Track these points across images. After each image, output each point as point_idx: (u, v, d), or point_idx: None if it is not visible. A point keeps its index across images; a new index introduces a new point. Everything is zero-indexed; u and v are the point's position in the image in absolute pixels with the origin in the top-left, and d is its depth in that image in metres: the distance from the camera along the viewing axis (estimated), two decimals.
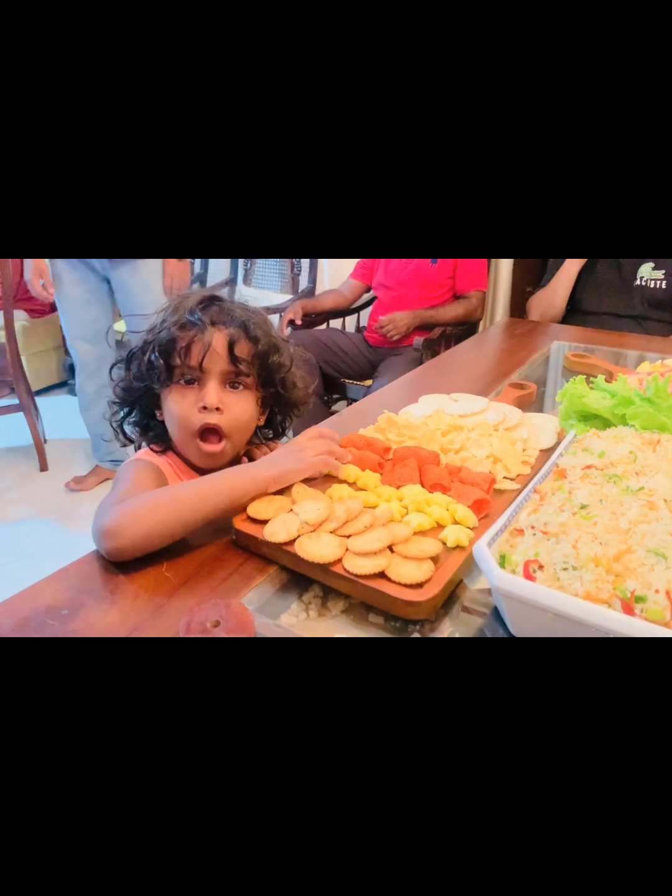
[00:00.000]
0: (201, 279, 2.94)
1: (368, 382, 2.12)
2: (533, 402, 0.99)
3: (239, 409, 0.71)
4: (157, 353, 0.69)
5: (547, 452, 0.76)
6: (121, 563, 0.59)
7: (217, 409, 0.69)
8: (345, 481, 0.68)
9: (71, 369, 3.00)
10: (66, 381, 3.09)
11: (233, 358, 0.70)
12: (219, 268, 2.91)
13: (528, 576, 0.49)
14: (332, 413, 2.29)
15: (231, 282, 2.80)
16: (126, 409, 0.76)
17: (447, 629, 0.56)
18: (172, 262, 1.95)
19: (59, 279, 1.93)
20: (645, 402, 0.71)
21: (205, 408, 0.69)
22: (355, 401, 2.23)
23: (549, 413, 0.96)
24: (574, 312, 1.82)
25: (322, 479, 0.69)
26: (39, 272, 1.94)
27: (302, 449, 0.68)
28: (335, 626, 0.57)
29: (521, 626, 0.51)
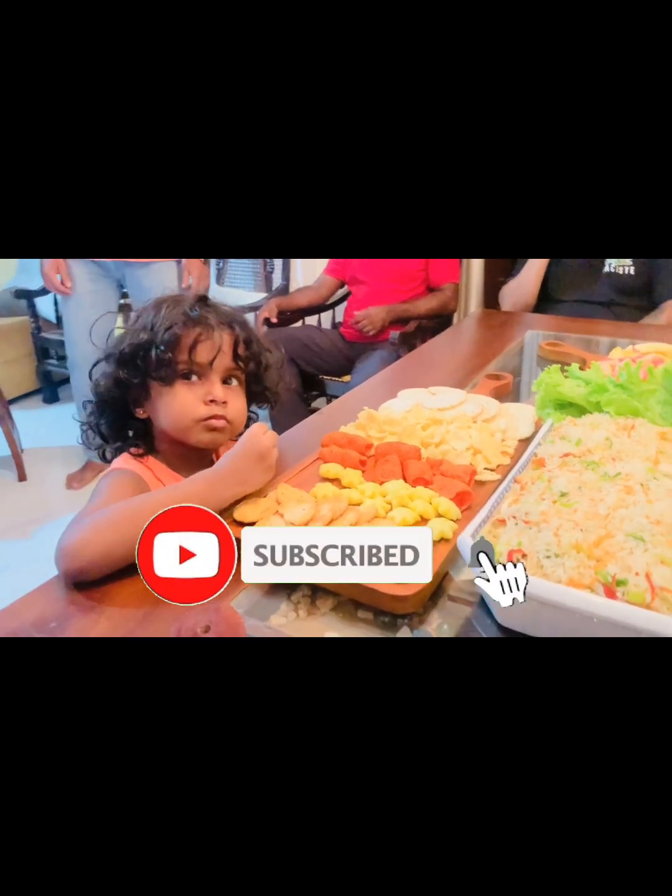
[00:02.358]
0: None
1: (347, 378, 2.13)
2: (509, 392, 1.00)
3: (239, 403, 0.75)
4: (163, 348, 0.70)
5: (525, 442, 0.77)
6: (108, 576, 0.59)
7: (224, 402, 0.72)
8: (328, 479, 0.69)
9: (46, 376, 2.97)
10: (40, 388, 3.04)
11: (236, 356, 0.74)
12: None
13: (513, 561, 0.50)
14: (312, 410, 2.30)
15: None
16: (106, 410, 0.76)
17: (435, 621, 0.57)
18: (195, 262, 1.96)
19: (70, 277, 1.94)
20: (619, 388, 0.73)
21: (213, 401, 0.72)
22: (335, 397, 2.25)
23: (525, 402, 0.98)
24: (545, 300, 1.85)
25: (306, 478, 0.70)
26: (56, 266, 1.92)
27: (264, 458, 0.67)
28: (325, 624, 0.57)
29: (508, 615, 0.52)
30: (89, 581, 0.58)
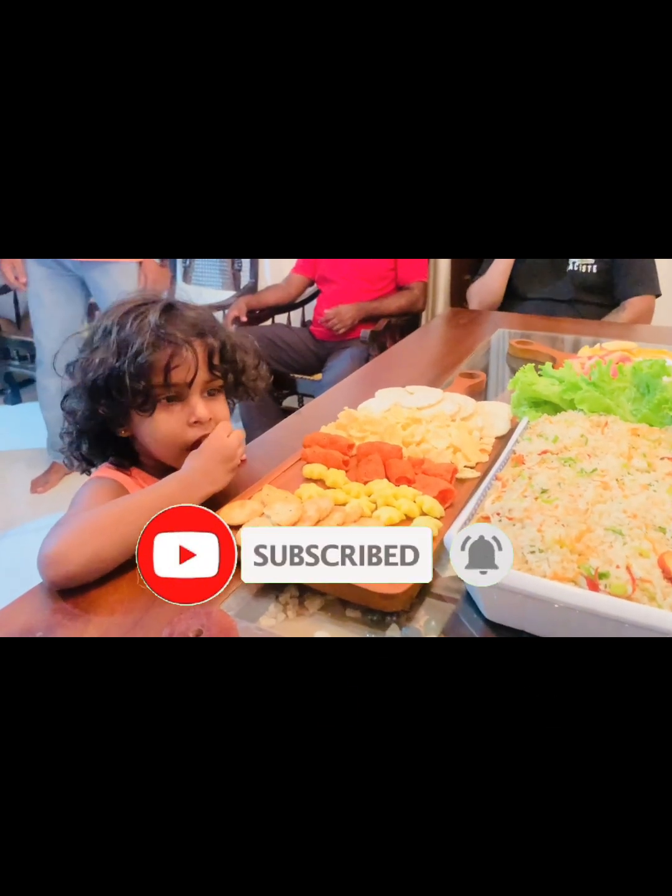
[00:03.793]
0: None
1: (317, 376, 2.13)
2: (483, 390, 1.02)
3: (221, 412, 0.72)
4: (136, 377, 0.66)
5: (502, 439, 0.79)
6: (94, 582, 0.58)
7: (209, 419, 0.70)
8: (312, 479, 0.69)
9: (7, 377, 2.89)
10: (2, 390, 2.96)
11: (212, 367, 0.70)
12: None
13: None
14: (283, 408, 2.30)
15: (171, 280, 2.74)
16: (85, 437, 0.73)
17: (423, 618, 0.58)
18: (151, 263, 1.92)
19: (31, 276, 1.90)
20: (591, 386, 0.75)
21: (198, 422, 0.69)
22: (306, 395, 2.25)
23: (494, 399, 1.00)
24: (512, 298, 1.89)
25: (290, 479, 0.70)
26: (12, 262, 1.89)
27: (230, 459, 0.68)
28: (314, 623, 0.58)
29: (494, 609, 0.54)
30: (75, 588, 0.57)
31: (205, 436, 0.69)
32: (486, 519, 0.57)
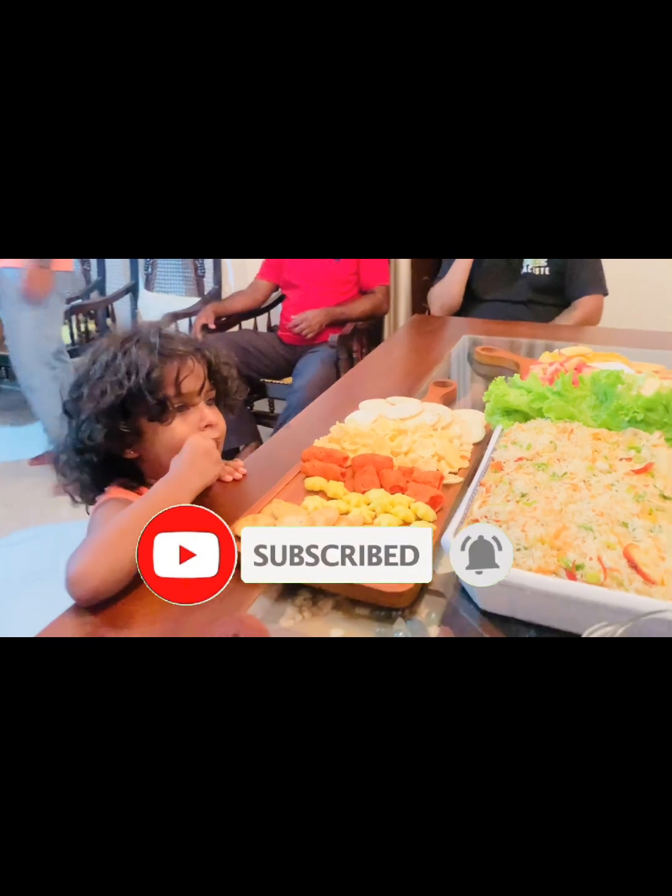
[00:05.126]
0: (100, 286, 2.87)
1: (288, 380, 2.19)
2: (455, 398, 1.11)
3: (222, 421, 0.81)
4: (154, 391, 0.74)
5: (478, 445, 0.88)
6: (126, 595, 0.64)
7: (215, 423, 0.79)
8: (314, 492, 0.76)
9: None
10: None
11: (210, 378, 0.79)
12: (117, 273, 2.85)
13: None
14: (255, 412, 2.35)
15: (132, 288, 2.75)
16: (95, 464, 0.77)
17: (424, 611, 0.66)
18: (33, 268, 1.92)
19: None
20: (556, 395, 0.85)
21: (208, 425, 0.78)
22: (277, 399, 2.31)
23: (459, 404, 1.09)
24: (470, 300, 1.99)
25: (294, 492, 0.77)
26: None
27: (209, 451, 0.76)
28: (329, 622, 0.65)
29: (488, 600, 0.62)
30: (109, 602, 0.63)
31: (216, 439, 0.78)
32: (476, 521, 0.65)
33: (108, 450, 0.76)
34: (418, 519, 0.70)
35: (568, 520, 0.62)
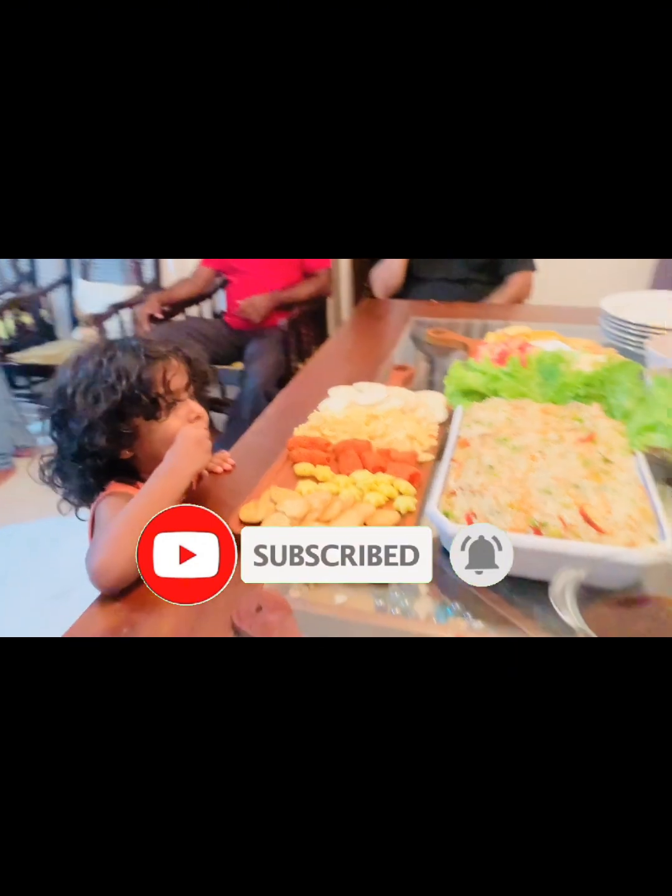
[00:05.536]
0: (31, 277, 2.79)
1: (237, 365, 2.24)
2: (414, 380, 1.21)
3: (206, 412, 0.87)
4: (148, 391, 0.79)
5: (443, 425, 0.98)
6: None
7: (202, 415, 0.85)
8: (304, 476, 0.85)
9: None
10: None
11: (195, 374, 0.86)
12: (49, 264, 2.78)
13: (470, 522, 0.70)
14: (210, 399, 2.37)
15: (67, 280, 2.69)
16: (95, 467, 0.82)
17: None
18: None
19: None
20: (508, 376, 0.96)
21: (198, 417, 0.84)
22: (229, 384, 2.34)
23: (420, 386, 1.19)
24: (409, 280, 2.09)
25: (286, 478, 0.85)
26: None
27: (199, 440, 0.82)
28: (333, 590, 0.74)
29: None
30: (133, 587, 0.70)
31: (206, 429, 0.84)
32: (453, 493, 0.75)
33: (108, 452, 0.82)
34: (401, 494, 0.80)
35: (530, 486, 0.73)
